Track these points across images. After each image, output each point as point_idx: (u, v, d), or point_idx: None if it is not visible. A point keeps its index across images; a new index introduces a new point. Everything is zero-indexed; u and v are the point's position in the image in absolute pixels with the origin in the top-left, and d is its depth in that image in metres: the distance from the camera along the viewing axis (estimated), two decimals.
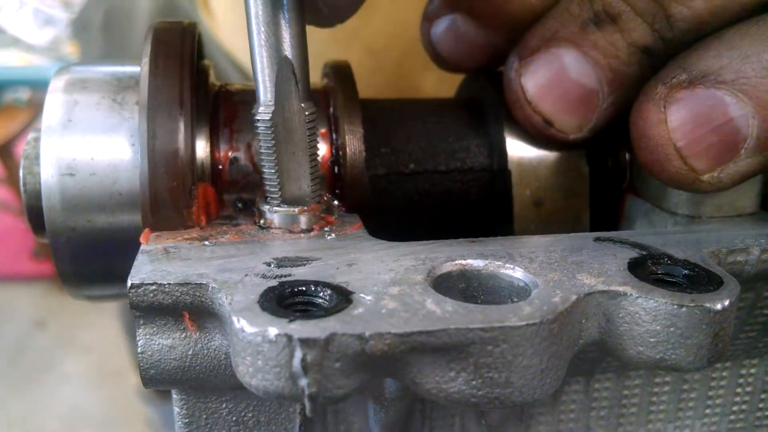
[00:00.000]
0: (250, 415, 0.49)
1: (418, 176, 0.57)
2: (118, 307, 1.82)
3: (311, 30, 0.48)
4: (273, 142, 0.48)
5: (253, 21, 0.45)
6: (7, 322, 3.45)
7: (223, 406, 0.48)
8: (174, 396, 0.48)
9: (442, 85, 0.71)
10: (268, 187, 0.50)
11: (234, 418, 0.49)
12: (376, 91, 0.63)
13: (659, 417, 0.57)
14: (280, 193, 0.49)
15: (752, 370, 0.58)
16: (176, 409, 0.48)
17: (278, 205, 0.49)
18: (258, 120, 0.48)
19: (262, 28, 0.45)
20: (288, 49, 0.46)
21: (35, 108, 3.24)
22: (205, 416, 0.48)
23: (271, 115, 0.47)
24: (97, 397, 2.94)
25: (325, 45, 0.65)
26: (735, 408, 0.58)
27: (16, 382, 3.04)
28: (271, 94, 0.47)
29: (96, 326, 3.30)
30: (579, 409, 0.55)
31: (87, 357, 3.18)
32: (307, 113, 0.47)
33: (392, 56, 1.08)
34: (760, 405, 0.59)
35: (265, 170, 0.49)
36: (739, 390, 0.58)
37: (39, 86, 3.24)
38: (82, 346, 3.25)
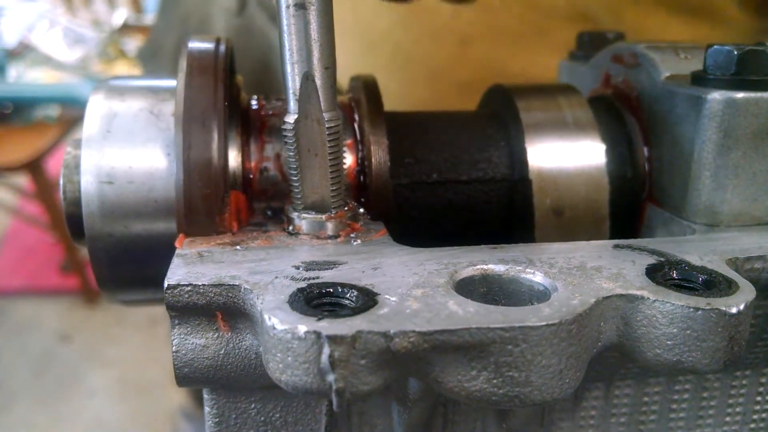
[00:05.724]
0: (278, 415, 0.50)
1: (441, 186, 0.59)
2: None
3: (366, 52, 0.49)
4: (296, 150, 0.50)
5: (285, 34, 0.47)
6: (33, 336, 3.49)
7: (252, 406, 0.50)
8: (205, 396, 0.50)
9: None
10: (294, 194, 0.51)
11: (262, 418, 0.50)
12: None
13: (679, 424, 0.57)
14: (302, 199, 0.51)
15: None
16: (207, 408, 0.50)
17: (306, 212, 0.51)
18: (284, 129, 0.50)
19: (294, 41, 0.47)
20: (315, 62, 0.48)
21: (65, 124, 3.30)
22: (234, 416, 0.50)
23: (294, 124, 0.49)
24: (122, 411, 2.96)
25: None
26: (755, 416, 0.59)
27: (41, 395, 3.07)
28: (297, 104, 0.49)
29: (121, 340, 3.34)
30: (599, 415, 0.55)
31: (112, 371, 3.21)
32: (329, 124, 0.49)
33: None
34: None
35: (291, 177, 0.51)
36: (759, 398, 0.58)
37: (69, 103, 3.32)
38: (108, 360, 3.28)
